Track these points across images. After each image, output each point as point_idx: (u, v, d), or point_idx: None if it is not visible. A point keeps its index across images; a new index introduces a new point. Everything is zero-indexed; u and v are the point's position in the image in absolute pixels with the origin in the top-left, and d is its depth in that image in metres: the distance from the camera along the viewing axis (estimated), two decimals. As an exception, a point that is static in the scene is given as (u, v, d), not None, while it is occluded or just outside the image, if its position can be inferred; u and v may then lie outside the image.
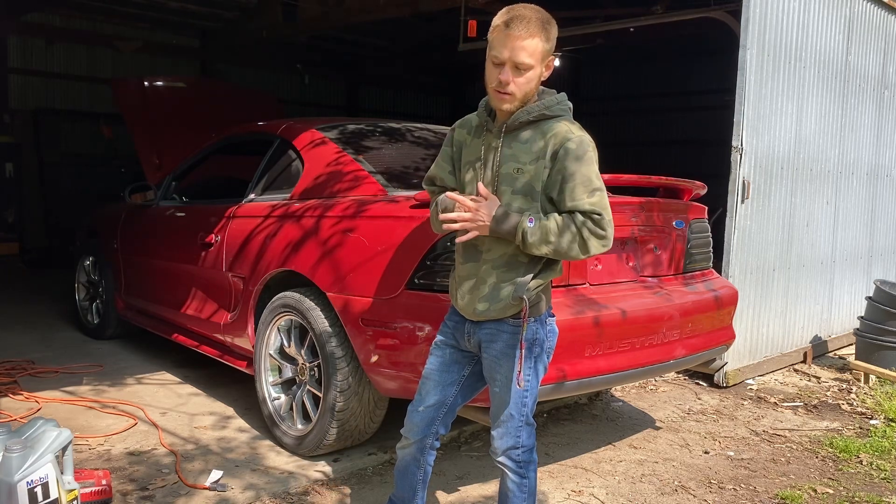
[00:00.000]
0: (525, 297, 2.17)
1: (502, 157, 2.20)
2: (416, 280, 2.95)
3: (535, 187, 2.16)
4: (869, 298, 5.33)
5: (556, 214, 2.13)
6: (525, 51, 2.08)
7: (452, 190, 2.37)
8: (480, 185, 2.17)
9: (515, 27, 2.07)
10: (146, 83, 5.99)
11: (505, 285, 2.21)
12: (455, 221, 2.17)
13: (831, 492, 3.30)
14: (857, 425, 4.22)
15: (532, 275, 2.21)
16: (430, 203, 2.43)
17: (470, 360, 2.40)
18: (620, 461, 3.57)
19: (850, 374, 5.26)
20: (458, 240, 2.25)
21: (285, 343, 3.52)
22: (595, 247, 2.12)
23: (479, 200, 2.15)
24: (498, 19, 2.12)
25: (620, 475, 3.41)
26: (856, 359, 5.33)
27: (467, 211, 2.15)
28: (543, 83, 2.27)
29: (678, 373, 4.99)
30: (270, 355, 3.58)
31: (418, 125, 4.40)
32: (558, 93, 2.26)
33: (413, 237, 2.99)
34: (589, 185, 2.11)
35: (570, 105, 2.26)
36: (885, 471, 3.55)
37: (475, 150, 2.28)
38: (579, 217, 2.10)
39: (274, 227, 3.66)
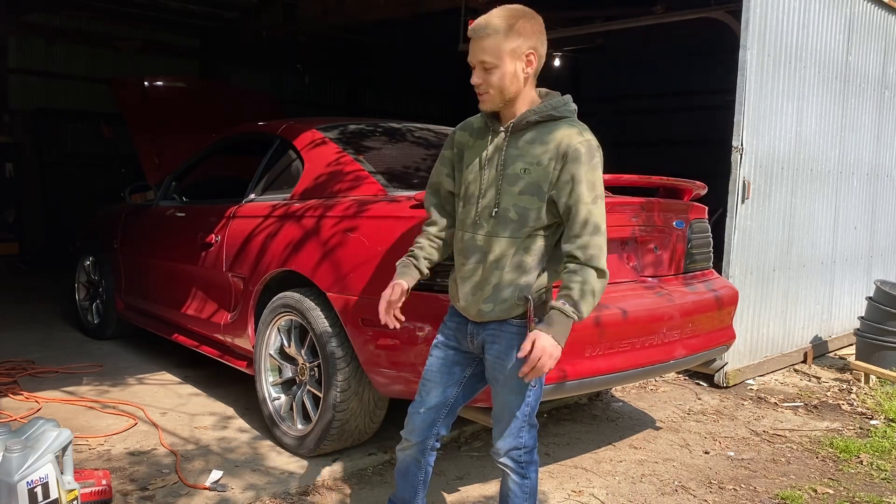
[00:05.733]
0: (530, 297, 2.18)
1: (508, 157, 2.21)
2: (416, 280, 2.95)
3: (543, 187, 2.17)
4: (869, 298, 5.33)
5: (565, 275, 2.15)
6: (484, 50, 2.19)
7: (451, 194, 2.38)
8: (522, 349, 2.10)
9: (476, 31, 2.22)
10: (146, 83, 6.00)
11: (509, 286, 2.21)
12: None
13: (831, 492, 3.30)
14: (858, 425, 4.22)
15: (536, 274, 2.21)
16: (426, 210, 2.46)
17: (471, 362, 2.40)
18: (620, 461, 3.57)
19: (851, 374, 5.26)
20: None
21: (285, 343, 3.52)
22: (604, 261, 2.16)
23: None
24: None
25: (620, 475, 3.41)
26: (856, 359, 5.33)
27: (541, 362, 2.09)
28: (544, 84, 2.28)
29: (678, 373, 4.98)
30: (270, 355, 3.58)
31: (418, 125, 4.40)
32: (562, 95, 2.27)
33: (413, 237, 2.97)
34: (593, 189, 2.15)
35: (576, 107, 2.28)
36: (886, 471, 3.55)
37: (478, 152, 2.29)
38: (576, 264, 2.13)
39: (274, 227, 3.66)
